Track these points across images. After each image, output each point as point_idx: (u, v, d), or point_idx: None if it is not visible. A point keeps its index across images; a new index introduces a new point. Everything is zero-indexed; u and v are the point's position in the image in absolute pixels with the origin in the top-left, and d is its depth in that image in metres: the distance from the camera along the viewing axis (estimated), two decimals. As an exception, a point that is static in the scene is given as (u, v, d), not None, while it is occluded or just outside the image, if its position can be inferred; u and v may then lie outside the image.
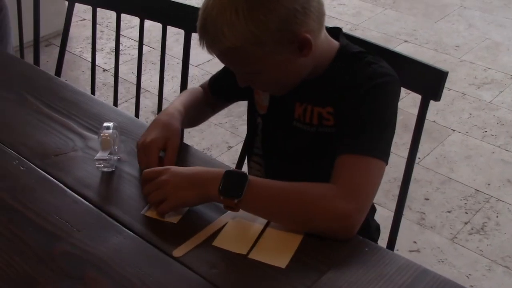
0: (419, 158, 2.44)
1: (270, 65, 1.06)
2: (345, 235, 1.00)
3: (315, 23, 1.05)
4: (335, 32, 1.16)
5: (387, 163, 1.05)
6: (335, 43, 1.14)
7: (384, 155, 1.04)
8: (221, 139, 2.64)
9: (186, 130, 1.94)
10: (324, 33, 1.10)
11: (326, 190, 1.01)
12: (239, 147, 2.63)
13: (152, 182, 1.06)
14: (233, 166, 1.43)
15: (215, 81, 1.35)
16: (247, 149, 1.36)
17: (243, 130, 2.64)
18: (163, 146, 1.14)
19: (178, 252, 0.98)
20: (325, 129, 1.13)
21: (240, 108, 2.83)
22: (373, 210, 1.32)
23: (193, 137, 2.62)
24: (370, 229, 1.33)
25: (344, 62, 1.12)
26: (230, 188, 1.01)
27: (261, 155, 1.29)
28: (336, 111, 1.11)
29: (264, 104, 1.22)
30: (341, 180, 1.02)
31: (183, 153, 1.21)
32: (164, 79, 1.72)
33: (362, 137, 1.04)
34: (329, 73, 1.12)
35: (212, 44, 1.05)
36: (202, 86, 1.36)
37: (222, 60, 1.09)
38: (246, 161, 1.45)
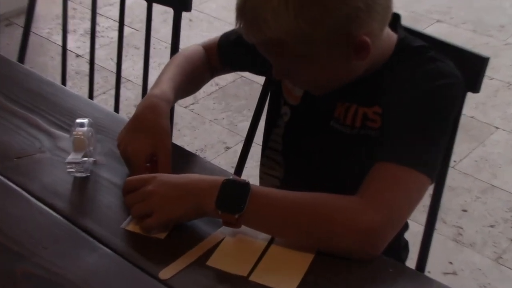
0: (454, 161, 2.44)
1: (317, 65, 1.07)
2: (368, 254, 1.00)
3: (378, 24, 1.05)
4: (392, 20, 1.15)
5: (432, 181, 1.06)
6: (394, 37, 1.15)
7: (430, 170, 1.05)
8: (217, 138, 2.65)
9: (175, 127, 1.94)
10: (386, 29, 1.10)
11: (348, 202, 1.02)
12: (239, 147, 2.63)
13: (136, 192, 1.06)
14: (231, 171, 1.43)
15: (228, 44, 1.34)
16: (263, 142, 1.36)
17: (243, 127, 2.65)
18: (151, 155, 1.13)
19: (166, 273, 0.98)
20: (368, 131, 1.14)
21: (240, 102, 2.84)
22: (405, 227, 1.32)
23: (184, 135, 2.63)
24: (398, 247, 1.33)
25: (402, 58, 1.12)
26: (230, 200, 1.02)
27: (280, 151, 1.30)
28: (385, 112, 1.11)
29: (297, 94, 1.23)
30: (370, 191, 1.03)
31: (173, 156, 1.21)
32: (149, 67, 1.72)
33: (408, 145, 1.05)
34: (383, 71, 1.13)
35: (250, 30, 1.05)
36: (205, 46, 1.36)
37: (260, 49, 1.09)
38: (240, 166, 1.45)
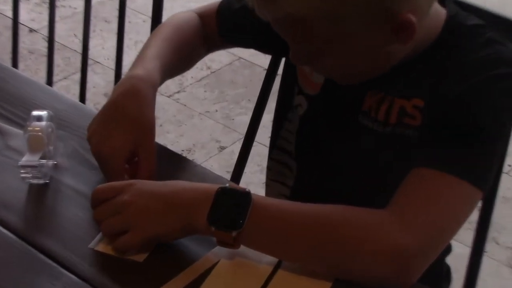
0: (509, 165, 2.45)
1: (347, 50, 1.07)
2: (399, 283, 1.01)
3: None
4: None
5: (484, 193, 1.06)
6: (442, 14, 1.14)
7: (482, 180, 1.06)
8: (209, 136, 2.65)
9: (157, 122, 1.95)
10: (434, 4, 1.10)
11: (374, 218, 1.02)
12: (236, 147, 2.64)
13: (108, 203, 1.07)
14: (227, 177, 1.44)
15: (229, 13, 1.34)
16: (271, 140, 1.37)
17: (241, 122, 2.66)
18: (131, 155, 1.14)
19: (146, 305, 1.00)
20: (405, 130, 1.13)
21: (237, 90, 2.85)
22: (446, 249, 1.33)
23: (167, 132, 2.64)
24: (437, 274, 1.34)
25: (452, 41, 1.12)
26: (226, 214, 1.02)
27: (291, 152, 1.30)
28: (427, 106, 1.11)
29: (316, 81, 1.23)
30: (403, 204, 1.03)
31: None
32: (124, 45, 1.73)
33: (455, 149, 1.05)
34: (427, 55, 1.13)
35: (265, 5, 1.05)
36: (201, 13, 1.36)
37: (275, 28, 1.09)
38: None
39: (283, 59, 1.48)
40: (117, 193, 1.06)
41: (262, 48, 1.39)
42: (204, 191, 1.04)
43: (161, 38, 1.29)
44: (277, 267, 1.05)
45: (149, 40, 1.29)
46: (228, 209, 1.03)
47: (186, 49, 1.32)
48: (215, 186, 1.05)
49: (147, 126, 1.15)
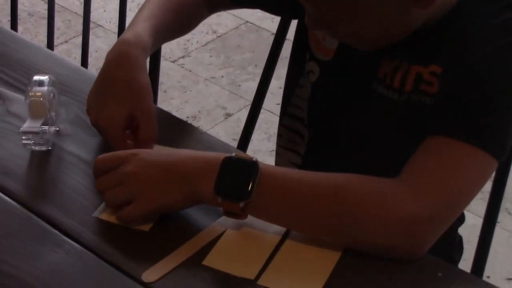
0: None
1: (363, 13, 1.06)
2: (409, 253, 1.01)
3: None
4: None
5: (499, 161, 1.06)
6: None
7: (498, 149, 1.05)
8: (214, 102, 2.65)
9: (160, 88, 1.95)
10: None
11: (385, 186, 1.02)
12: (242, 114, 2.64)
13: (111, 173, 1.07)
14: (233, 144, 1.44)
15: None
16: (282, 107, 1.36)
17: (247, 88, 2.66)
18: (129, 122, 1.14)
19: (150, 275, 1.00)
20: (421, 97, 1.13)
21: (244, 55, 2.84)
22: (459, 219, 1.33)
23: (171, 98, 2.63)
24: (450, 245, 1.34)
25: (471, 5, 1.11)
26: (233, 184, 1.03)
27: (302, 119, 1.30)
28: (445, 73, 1.11)
29: (329, 47, 1.23)
30: (415, 172, 1.03)
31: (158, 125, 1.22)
32: (127, 8, 1.72)
33: (471, 116, 1.05)
34: (446, 21, 1.12)
35: None
36: None
37: None
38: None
39: (292, 23, 1.47)
40: (120, 162, 1.06)
41: (272, 9, 1.37)
42: (210, 160, 1.04)
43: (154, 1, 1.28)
44: (284, 236, 1.05)
45: (145, 1, 1.28)
46: (235, 179, 1.03)
47: (185, 9, 1.30)
48: (221, 155, 1.04)
49: (141, 89, 1.15)
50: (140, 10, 1.26)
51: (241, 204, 1.02)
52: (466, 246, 1.40)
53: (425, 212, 1.00)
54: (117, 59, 1.17)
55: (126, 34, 1.20)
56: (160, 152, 1.10)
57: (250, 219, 1.05)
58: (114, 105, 1.13)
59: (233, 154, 1.05)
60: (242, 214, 1.03)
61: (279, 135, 1.36)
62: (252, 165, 1.03)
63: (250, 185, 1.02)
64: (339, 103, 1.23)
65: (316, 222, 1.03)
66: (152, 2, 1.27)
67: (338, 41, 1.20)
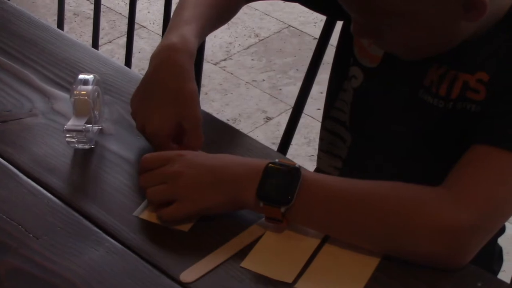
0: None
1: (415, 24, 1.06)
2: (452, 263, 1.01)
3: None
4: None
5: None
6: None
7: None
8: (255, 105, 2.66)
9: (201, 90, 1.95)
10: None
11: (429, 194, 1.02)
12: (282, 119, 2.64)
13: (156, 171, 1.08)
14: (273, 148, 1.44)
15: None
16: (325, 110, 1.36)
17: (288, 92, 2.66)
18: (177, 130, 1.14)
19: (189, 275, 1.00)
20: (467, 105, 1.12)
21: (286, 59, 2.84)
22: (501, 230, 1.33)
23: (212, 101, 2.64)
24: (490, 255, 1.33)
25: None
26: (275, 189, 1.03)
27: (345, 123, 1.30)
28: (493, 81, 1.10)
29: (375, 53, 1.22)
30: (461, 181, 1.02)
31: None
32: (171, 10, 1.73)
33: None
34: (494, 33, 1.11)
35: None
36: None
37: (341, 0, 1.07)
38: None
39: (335, 28, 1.47)
40: (166, 162, 1.07)
41: (313, 5, 1.36)
42: (254, 166, 1.05)
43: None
44: (323, 241, 1.05)
45: (181, 5, 1.26)
46: (277, 184, 1.03)
47: (224, 2, 1.30)
48: (264, 161, 1.05)
49: (189, 97, 1.14)
50: (180, 8, 1.24)
51: (283, 209, 1.02)
52: (505, 257, 1.39)
53: (469, 221, 0.99)
54: (165, 66, 1.16)
55: (172, 38, 1.18)
56: (205, 154, 1.11)
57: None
58: (161, 113, 1.13)
59: (277, 160, 1.06)
60: (283, 219, 1.04)
61: (321, 139, 1.36)
62: (295, 171, 1.04)
63: (292, 191, 1.02)
64: (382, 109, 1.23)
65: (357, 229, 1.03)
66: (189, 2, 1.26)
67: (383, 50, 1.20)
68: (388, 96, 1.22)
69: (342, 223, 1.04)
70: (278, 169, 1.04)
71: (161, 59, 1.17)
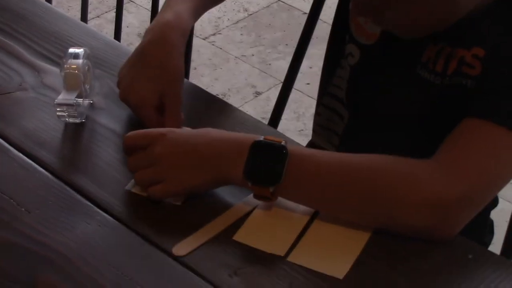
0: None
1: (415, 1, 1.05)
2: (441, 234, 1.01)
3: None
4: None
5: None
6: None
7: None
8: (244, 80, 2.65)
9: (191, 66, 1.95)
10: None
11: (418, 167, 1.02)
12: (272, 93, 2.65)
13: (141, 154, 1.07)
14: (263, 122, 1.44)
15: None
16: (321, 86, 1.36)
17: (278, 67, 2.66)
18: (159, 104, 1.14)
19: (181, 249, 1.01)
20: (462, 80, 1.11)
21: (275, 33, 2.83)
22: (492, 203, 1.33)
23: (201, 76, 2.64)
24: (481, 228, 1.34)
25: None
26: (262, 169, 1.03)
27: (342, 99, 1.30)
28: (489, 56, 1.09)
29: (372, 31, 1.22)
30: (451, 154, 1.03)
31: (186, 98, 1.22)
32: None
33: (509, 99, 1.04)
34: (493, 7, 1.10)
35: None
36: None
37: None
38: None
39: (325, 3, 1.46)
40: (149, 142, 1.07)
41: None
42: (240, 143, 1.05)
43: None
44: (315, 214, 1.05)
45: None
46: (265, 163, 1.03)
47: None
48: (250, 138, 1.05)
49: (174, 76, 1.15)
50: None
51: (271, 189, 1.02)
52: (496, 229, 1.40)
53: (459, 194, 1.00)
54: (156, 41, 1.17)
55: (167, 14, 1.19)
56: (189, 132, 1.10)
57: (280, 198, 1.05)
58: (145, 85, 1.14)
59: (262, 137, 1.05)
60: (272, 197, 1.04)
61: (318, 114, 1.36)
62: (281, 149, 1.03)
63: (280, 169, 1.02)
64: (380, 86, 1.23)
65: (347, 204, 1.03)
66: None
67: (382, 29, 1.20)
68: (385, 73, 1.22)
69: (332, 198, 1.04)
70: (265, 147, 1.03)
71: (155, 34, 1.18)
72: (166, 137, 1.07)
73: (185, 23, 1.20)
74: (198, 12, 1.24)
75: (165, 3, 1.24)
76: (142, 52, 1.18)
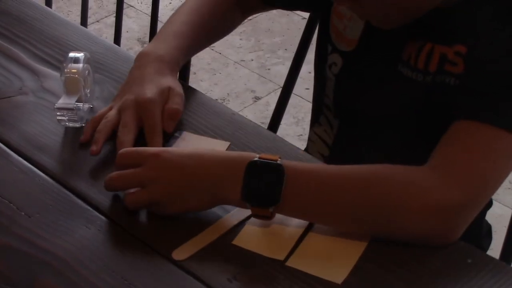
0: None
1: None
2: (442, 240, 1.01)
3: None
4: None
5: None
6: None
7: None
8: (243, 85, 2.65)
9: (190, 71, 1.96)
10: None
11: (415, 174, 1.02)
12: (271, 98, 2.65)
13: (133, 173, 1.05)
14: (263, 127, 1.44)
15: None
16: (316, 97, 1.37)
17: (276, 72, 2.66)
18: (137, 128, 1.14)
19: (181, 253, 1.01)
20: (446, 78, 1.12)
21: (274, 39, 2.84)
22: (488, 205, 1.33)
23: (201, 81, 2.64)
24: (478, 231, 1.34)
25: None
26: (260, 190, 1.02)
27: (330, 109, 1.30)
28: (471, 53, 1.10)
29: (351, 37, 1.23)
30: (445, 159, 1.03)
31: (186, 103, 1.22)
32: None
33: (501, 99, 1.04)
34: (469, 3, 1.10)
35: None
36: None
37: None
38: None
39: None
40: (142, 161, 1.05)
41: (304, 7, 1.37)
42: (235, 164, 1.03)
43: (184, 13, 1.29)
44: (309, 227, 1.05)
45: (173, 15, 1.29)
46: (262, 185, 1.02)
47: (217, 19, 1.31)
48: (245, 158, 1.03)
49: (148, 103, 1.14)
50: (169, 23, 1.27)
51: (271, 209, 1.02)
52: (494, 235, 1.40)
53: (456, 198, 1.00)
54: (153, 72, 1.18)
55: (160, 50, 1.21)
56: (182, 153, 1.07)
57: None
58: (153, 93, 1.15)
59: (256, 157, 1.03)
60: (271, 216, 1.03)
61: (319, 124, 1.35)
62: (278, 168, 1.02)
63: (278, 189, 1.01)
64: (364, 90, 1.23)
65: (347, 215, 1.03)
66: (180, 16, 1.28)
67: (361, 19, 1.19)
68: (367, 75, 1.22)
69: (332, 211, 1.03)
70: (261, 168, 1.02)
71: (151, 67, 1.19)
72: (160, 158, 1.05)
73: (176, 61, 1.22)
74: (189, 51, 1.26)
75: (154, 38, 1.25)
76: (131, 74, 1.20)
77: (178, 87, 1.18)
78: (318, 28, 1.33)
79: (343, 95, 1.27)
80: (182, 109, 1.17)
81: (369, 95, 1.22)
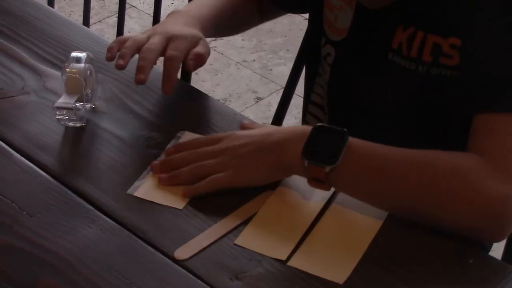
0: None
1: None
2: (495, 234, 1.03)
3: None
4: None
5: None
6: None
7: None
8: (245, 86, 2.65)
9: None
10: None
11: (470, 162, 1.02)
12: (273, 99, 2.65)
13: (205, 150, 1.10)
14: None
15: None
16: (305, 94, 1.37)
17: (278, 72, 2.66)
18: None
19: (183, 253, 1.01)
20: (442, 70, 1.12)
21: (276, 39, 2.84)
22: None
23: (203, 81, 2.64)
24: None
25: None
26: (321, 150, 1.04)
27: (323, 107, 1.31)
28: (466, 45, 1.10)
29: (341, 26, 1.23)
30: (495, 149, 1.02)
31: (187, 103, 1.22)
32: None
33: (503, 86, 1.05)
34: None
35: None
36: None
37: None
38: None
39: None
40: (213, 142, 1.10)
41: (304, 9, 1.41)
42: (299, 129, 1.08)
43: None
44: (316, 219, 1.05)
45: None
46: (324, 145, 1.04)
47: (232, 16, 1.34)
48: (309, 127, 1.06)
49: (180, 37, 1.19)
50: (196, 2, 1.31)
51: (327, 169, 1.02)
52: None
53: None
54: (187, 24, 1.23)
55: (192, 12, 1.26)
56: (249, 130, 1.13)
57: (286, 196, 1.07)
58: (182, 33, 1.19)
59: (324, 124, 1.07)
60: (326, 181, 1.03)
61: (307, 122, 1.36)
62: (341, 134, 1.04)
63: (338, 151, 1.02)
64: (356, 80, 1.24)
65: (400, 197, 1.03)
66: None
67: (344, 13, 1.20)
68: (359, 64, 1.23)
69: (385, 190, 1.04)
70: (327, 129, 1.05)
71: (180, 16, 1.25)
72: (230, 136, 1.10)
73: (206, 23, 1.26)
74: (217, 22, 1.30)
75: (189, 4, 1.31)
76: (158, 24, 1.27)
77: (207, 42, 1.22)
78: (310, 23, 1.34)
79: (336, 86, 1.28)
80: (206, 59, 1.21)
81: (362, 85, 1.23)
